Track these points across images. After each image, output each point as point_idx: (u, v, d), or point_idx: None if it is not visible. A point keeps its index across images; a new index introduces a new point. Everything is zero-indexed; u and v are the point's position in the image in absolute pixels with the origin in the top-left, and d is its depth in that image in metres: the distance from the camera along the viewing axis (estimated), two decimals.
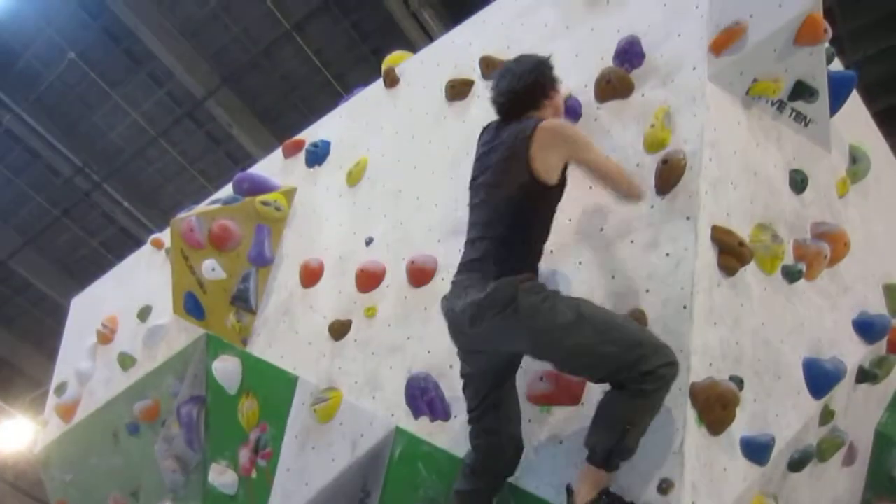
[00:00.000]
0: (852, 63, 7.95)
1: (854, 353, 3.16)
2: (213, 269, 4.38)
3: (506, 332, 2.33)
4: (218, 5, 10.13)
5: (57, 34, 10.68)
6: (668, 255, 2.63)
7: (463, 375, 2.60)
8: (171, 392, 4.74)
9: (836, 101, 3.17)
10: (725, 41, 2.81)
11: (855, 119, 3.72)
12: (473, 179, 2.65)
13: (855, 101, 3.67)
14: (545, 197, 2.50)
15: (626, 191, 2.67)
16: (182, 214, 4.68)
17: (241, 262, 4.42)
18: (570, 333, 2.25)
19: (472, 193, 2.63)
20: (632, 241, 2.74)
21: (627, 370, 2.18)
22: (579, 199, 2.97)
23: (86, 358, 5.77)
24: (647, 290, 2.62)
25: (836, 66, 3.36)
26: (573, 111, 3.13)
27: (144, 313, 5.31)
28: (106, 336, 5.61)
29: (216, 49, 10.64)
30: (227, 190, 5.02)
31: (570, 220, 2.96)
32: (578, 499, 2.24)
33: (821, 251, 2.98)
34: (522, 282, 2.33)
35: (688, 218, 2.63)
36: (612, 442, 2.21)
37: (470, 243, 2.55)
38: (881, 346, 3.35)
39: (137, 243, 7.61)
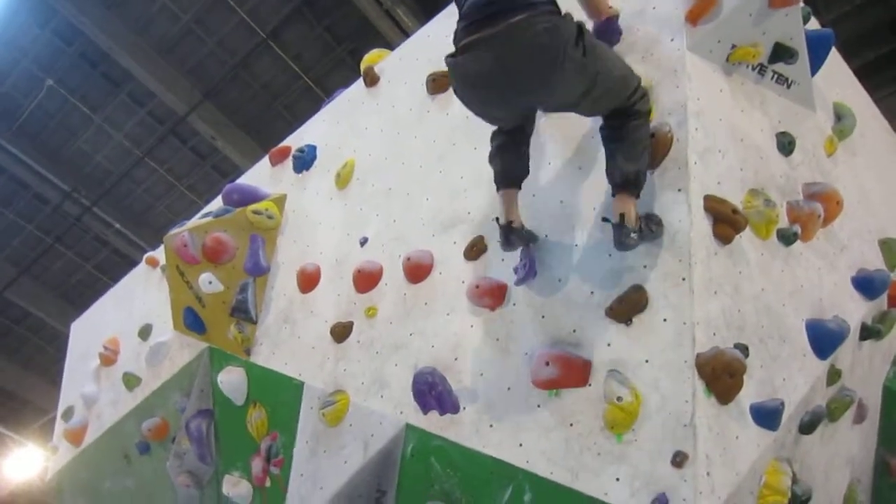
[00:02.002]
0: (828, 21, 7.97)
1: (856, 310, 3.16)
2: (211, 283, 4.37)
3: (567, 69, 2.36)
4: (191, 20, 10.08)
5: (33, 63, 10.64)
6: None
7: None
8: (178, 408, 4.73)
9: (816, 61, 3.18)
10: (701, 10, 2.82)
11: (836, 77, 3.73)
12: None
13: (835, 59, 3.68)
14: None
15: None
16: (174, 231, 4.66)
17: (238, 274, 4.41)
18: (611, 66, 2.51)
19: None
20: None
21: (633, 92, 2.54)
22: (569, 179, 2.98)
23: (90, 381, 5.77)
24: (645, 266, 2.61)
25: (813, 25, 3.36)
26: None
27: (145, 332, 5.30)
28: (109, 358, 5.60)
29: (193, 64, 10.60)
30: (217, 203, 5.00)
31: (563, 201, 2.96)
32: (631, 219, 2.48)
33: (814, 212, 2.98)
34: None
35: (679, 190, 2.63)
36: (639, 164, 2.54)
37: None
38: (882, 302, 3.36)
39: (132, 264, 7.60)
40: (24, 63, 10.64)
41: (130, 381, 5.26)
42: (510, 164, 2.79)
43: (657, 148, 2.71)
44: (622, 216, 2.49)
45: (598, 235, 2.81)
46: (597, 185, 2.86)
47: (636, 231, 2.48)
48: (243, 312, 4.32)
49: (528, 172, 2.84)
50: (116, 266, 12.80)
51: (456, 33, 2.49)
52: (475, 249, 3.23)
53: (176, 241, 4.51)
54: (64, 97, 11.00)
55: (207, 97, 10.58)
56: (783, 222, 2.91)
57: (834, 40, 3.31)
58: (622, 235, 2.47)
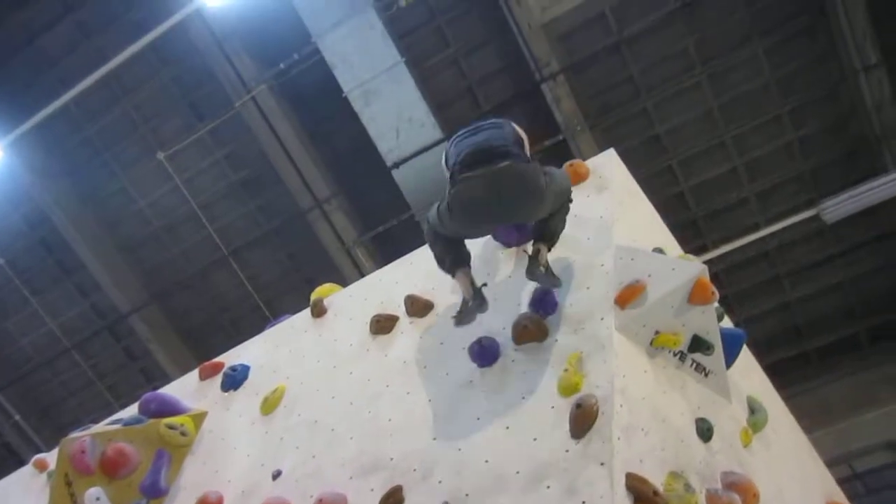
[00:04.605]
0: (741, 320, 8.86)
1: None
2: (98, 499, 3.93)
3: (543, 197, 3.13)
4: (161, 227, 10.48)
5: None
6: (584, 502, 2.57)
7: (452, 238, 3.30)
8: None
9: (731, 355, 3.44)
10: (629, 296, 3.10)
11: (749, 372, 4.00)
12: None
13: (747, 356, 3.97)
14: None
15: None
16: (76, 434, 4.31)
17: (132, 493, 4.00)
18: (561, 183, 3.32)
19: None
20: (548, 487, 2.68)
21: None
22: (497, 438, 2.96)
23: None
24: None
25: (728, 323, 3.67)
26: (491, 352, 3.25)
27: None
28: None
29: (150, 267, 10.79)
30: (132, 409, 4.73)
31: (487, 461, 2.91)
32: (544, 256, 3.22)
33: (733, 502, 2.96)
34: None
35: (602, 464, 2.63)
36: (559, 229, 3.30)
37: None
38: None
39: (19, 463, 6.88)
40: None
41: None
42: (459, 251, 3.31)
43: (583, 419, 2.76)
44: (538, 251, 3.20)
45: (519, 500, 2.73)
46: (523, 446, 2.85)
47: (544, 267, 3.18)
48: None
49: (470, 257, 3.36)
50: (1, 463, 11.55)
51: (453, 175, 3.09)
52: (392, 500, 3.06)
53: (74, 446, 4.14)
54: (9, 277, 10.86)
55: (155, 299, 10.58)
56: None
57: (746, 338, 3.62)
58: (533, 265, 3.16)
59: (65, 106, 8.87)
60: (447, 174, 3.24)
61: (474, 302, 3.22)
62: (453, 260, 3.30)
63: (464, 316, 3.27)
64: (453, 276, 3.30)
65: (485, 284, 3.35)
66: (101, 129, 10.08)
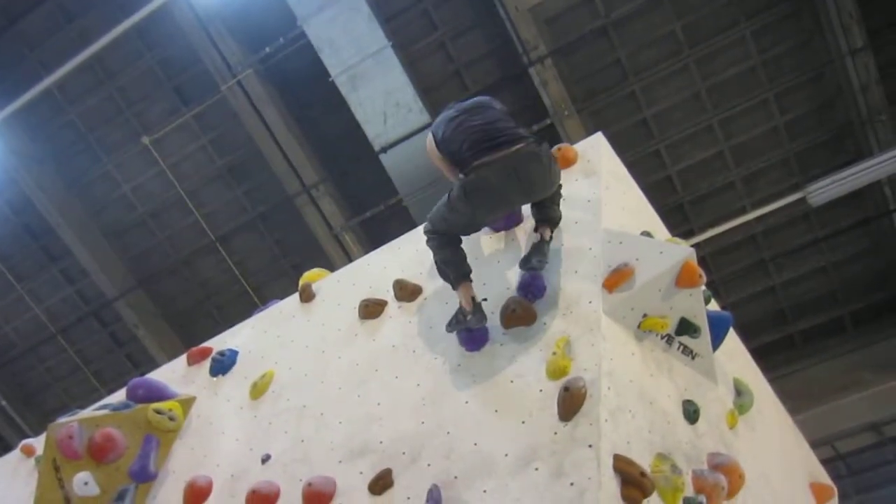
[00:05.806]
0: (728, 304, 8.96)
1: None
2: (86, 484, 3.92)
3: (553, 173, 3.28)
4: (146, 212, 10.39)
5: None
6: (572, 484, 2.60)
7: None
8: None
9: (717, 338, 3.47)
10: (617, 280, 3.12)
11: (735, 355, 4.04)
12: None
13: (734, 339, 4.00)
14: None
15: None
16: (63, 419, 4.29)
17: (121, 477, 3.99)
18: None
19: None
20: (536, 469, 2.71)
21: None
22: (485, 421, 2.98)
23: None
24: None
25: (715, 306, 3.70)
26: (480, 336, 3.26)
27: None
28: None
29: (136, 252, 10.69)
30: (119, 395, 4.71)
31: (476, 444, 2.93)
32: (546, 238, 3.31)
33: (718, 483, 3.01)
34: None
35: (590, 446, 2.66)
36: (558, 214, 3.39)
37: None
38: None
39: (6, 449, 6.87)
40: None
41: None
42: (462, 264, 3.31)
43: (571, 402, 2.79)
44: (542, 237, 3.28)
45: (506, 483, 2.75)
46: (511, 429, 2.87)
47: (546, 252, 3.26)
48: None
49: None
50: None
51: (465, 159, 3.15)
52: (381, 483, 3.08)
53: (61, 432, 4.12)
54: None
55: (141, 285, 10.51)
56: (689, 491, 2.92)
57: (732, 322, 3.64)
58: (544, 247, 3.26)
59: (47, 89, 8.73)
60: (446, 158, 3.33)
61: (474, 317, 3.23)
62: (457, 274, 3.31)
63: (458, 325, 3.30)
64: (455, 288, 3.31)
65: (485, 299, 3.36)
66: (85, 112, 9.95)
